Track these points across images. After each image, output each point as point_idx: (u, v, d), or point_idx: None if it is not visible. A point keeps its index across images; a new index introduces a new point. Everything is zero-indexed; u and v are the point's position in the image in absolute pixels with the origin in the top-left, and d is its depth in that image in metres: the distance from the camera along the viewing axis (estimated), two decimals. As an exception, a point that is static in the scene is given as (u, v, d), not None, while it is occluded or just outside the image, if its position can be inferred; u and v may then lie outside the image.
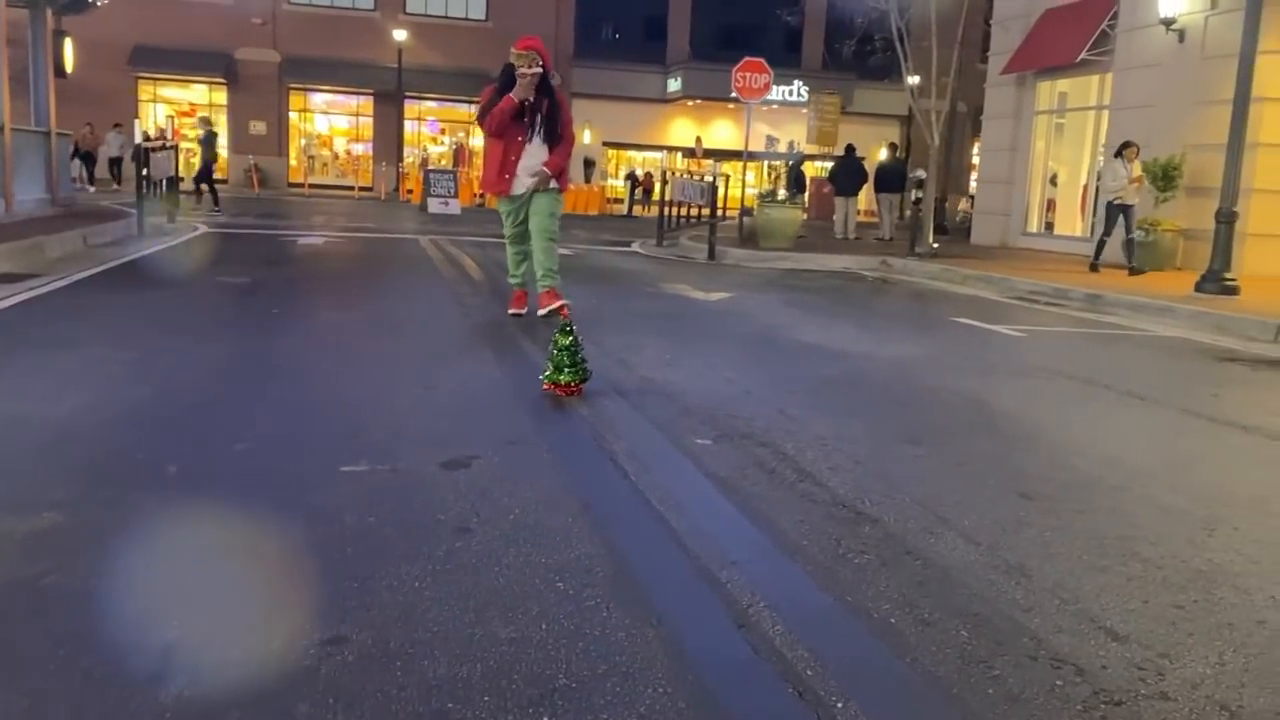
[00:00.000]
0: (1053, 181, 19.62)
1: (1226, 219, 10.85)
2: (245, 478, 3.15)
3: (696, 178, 16.40)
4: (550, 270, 6.81)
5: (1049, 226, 19.42)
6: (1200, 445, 4.35)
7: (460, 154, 35.85)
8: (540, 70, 6.45)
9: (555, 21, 36.22)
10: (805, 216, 17.63)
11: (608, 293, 9.25)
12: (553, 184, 6.81)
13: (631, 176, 34.76)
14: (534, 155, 6.68)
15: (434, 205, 24.14)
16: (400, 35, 32.09)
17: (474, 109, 40.18)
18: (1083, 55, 16.84)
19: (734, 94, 16.65)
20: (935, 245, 15.90)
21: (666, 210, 17.37)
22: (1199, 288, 10.81)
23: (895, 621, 2.28)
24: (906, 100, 41.40)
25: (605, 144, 40.00)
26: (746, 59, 16.75)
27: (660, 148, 40.24)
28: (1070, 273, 13.46)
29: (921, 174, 15.48)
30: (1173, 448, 4.26)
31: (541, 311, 6.65)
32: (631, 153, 41.63)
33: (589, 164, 37.48)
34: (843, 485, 3.30)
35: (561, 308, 6.54)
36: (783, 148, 16.12)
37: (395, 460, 3.36)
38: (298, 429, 3.78)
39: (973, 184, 34.67)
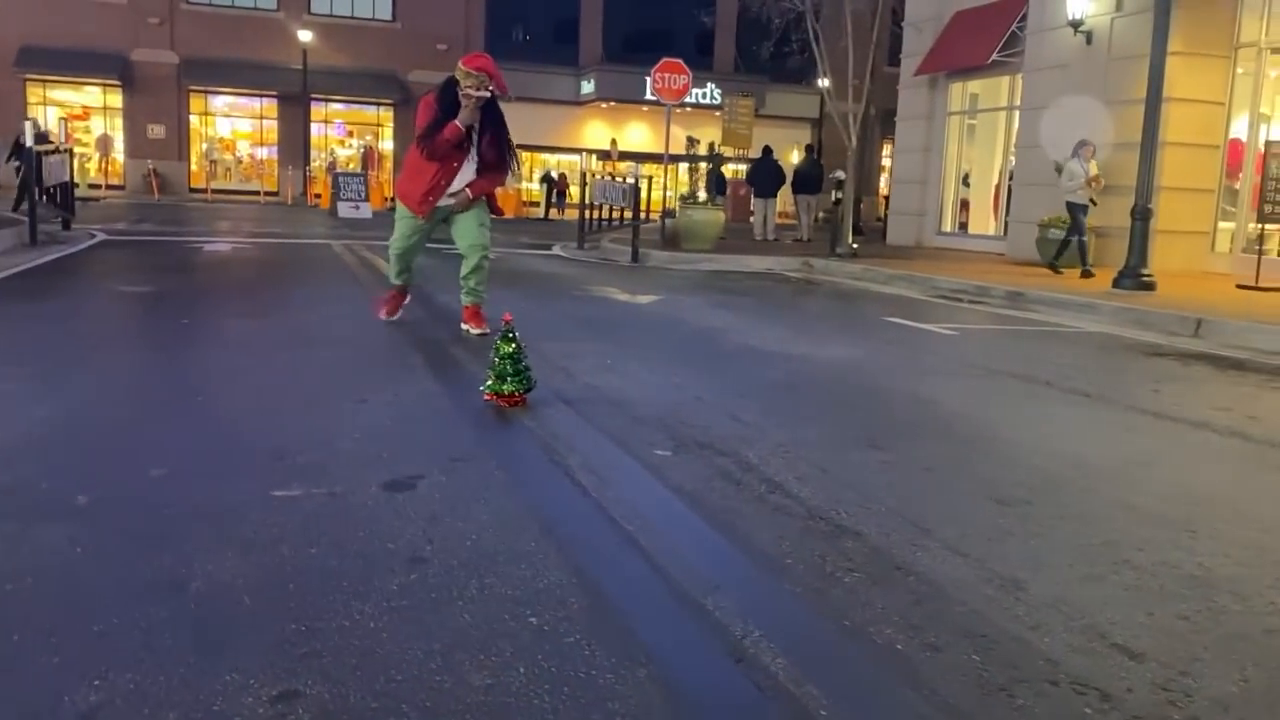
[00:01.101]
0: (965, 182, 19.94)
1: (1142, 216, 11.06)
2: (165, 507, 2.84)
3: (619, 180, 16.20)
4: (481, 288, 6.33)
5: (963, 226, 19.72)
6: (1154, 443, 4.30)
7: (369, 156, 35.10)
8: (489, 94, 5.79)
9: (465, 22, 35.76)
10: (726, 219, 17.58)
11: (536, 297, 8.99)
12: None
13: (548, 178, 34.43)
14: (465, 179, 6.10)
15: (344, 209, 23.52)
16: (305, 36, 31.26)
17: (382, 110, 39.22)
18: (994, 56, 17.13)
19: (650, 96, 16.52)
20: (855, 246, 15.99)
21: (587, 213, 17.15)
22: (1117, 284, 11.00)
23: (901, 647, 2.11)
24: (818, 103, 41.93)
25: (518, 146, 39.44)
26: (665, 60, 16.62)
27: (574, 150, 39.99)
28: (989, 271, 13.62)
29: (841, 175, 15.54)
30: (1129, 446, 4.20)
31: (475, 332, 6.18)
32: (545, 155, 41.32)
33: (501, 166, 36.97)
34: (814, 495, 3.13)
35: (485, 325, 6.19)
36: (703, 150, 16.02)
37: (331, 483, 3.08)
38: (219, 450, 3.47)
39: (883, 185, 35.25)
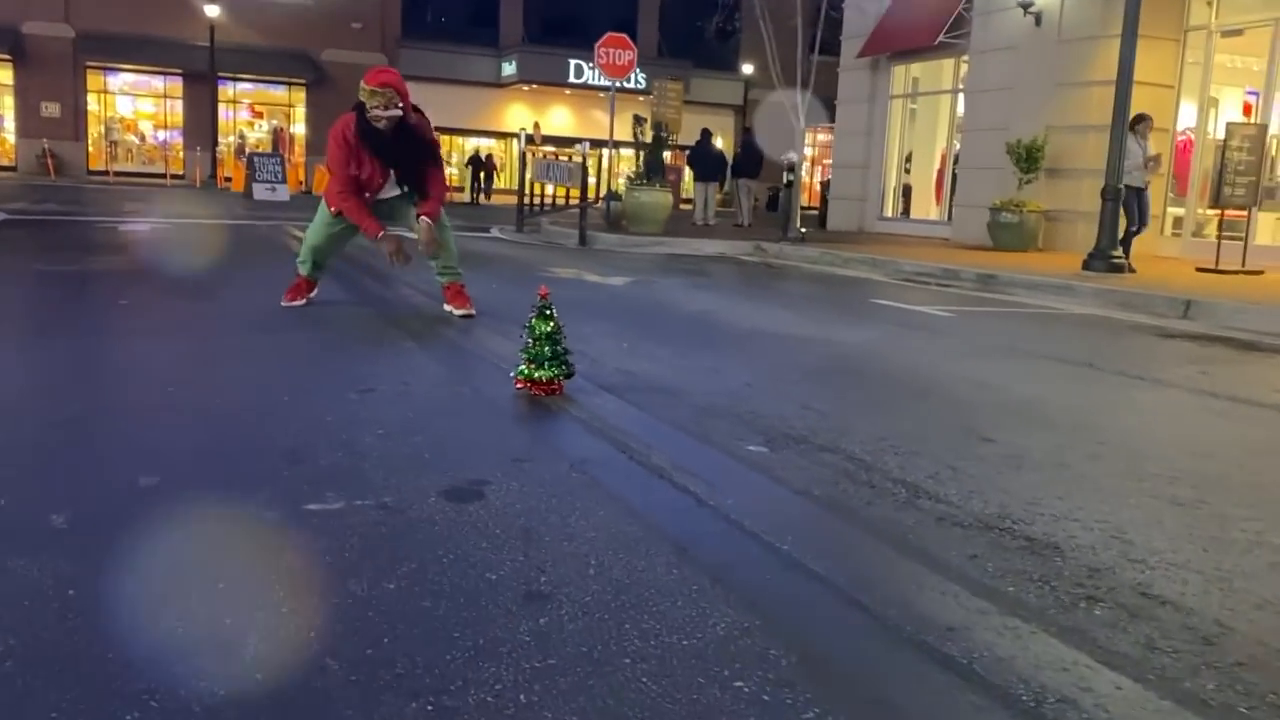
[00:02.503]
0: (906, 167, 19.75)
1: (1113, 196, 10.84)
2: (168, 529, 2.17)
3: (563, 159, 15.54)
4: (454, 262, 5.73)
5: (905, 211, 19.53)
6: (1261, 432, 3.89)
7: (280, 138, 33.64)
8: (399, 113, 5.18)
9: (381, 0, 34.49)
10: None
11: (504, 279, 8.33)
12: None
13: (475, 160, 33.32)
14: (392, 188, 5.57)
15: (260, 191, 22.37)
16: (212, 12, 29.68)
17: (293, 90, 37.58)
18: (941, 38, 16.90)
19: (573, 79, 15.82)
20: (803, 231, 15.62)
21: (527, 195, 16.46)
22: (1087, 265, 10.77)
23: None
24: (742, 89, 41.62)
25: (437, 129, 38.42)
26: (609, 34, 15.99)
27: (495, 134, 39.11)
28: (943, 254, 13.36)
29: (793, 157, 15.13)
30: (1240, 436, 3.77)
31: (459, 312, 5.56)
32: (466, 139, 40.29)
33: (420, 150, 35.87)
34: (968, 499, 2.60)
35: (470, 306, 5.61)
36: (649, 131, 15.51)
37: (376, 491, 2.44)
38: (218, 451, 2.79)
39: (804, 172, 35.12)
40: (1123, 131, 10.84)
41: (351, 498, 2.39)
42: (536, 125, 33.58)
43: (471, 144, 40.09)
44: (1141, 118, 11.78)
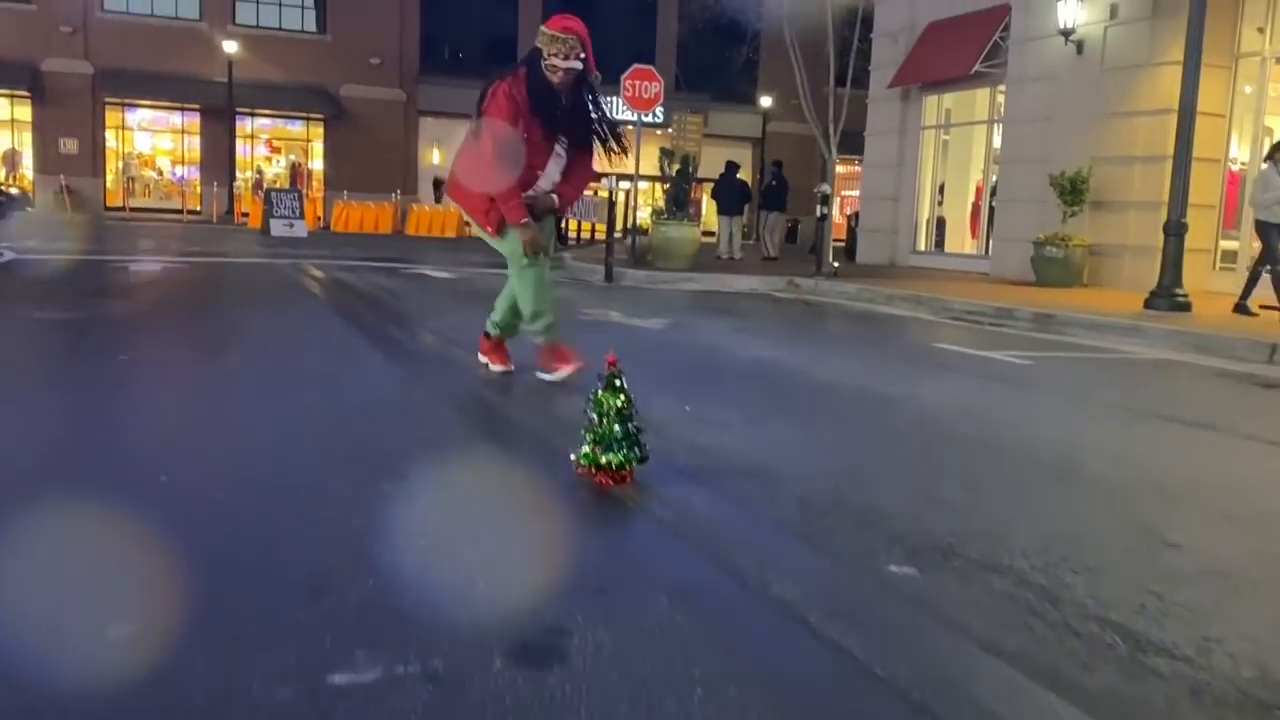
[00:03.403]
0: (939, 199, 19.15)
1: (1176, 231, 10.20)
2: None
3: (590, 193, 15.02)
4: (547, 308, 4.69)
5: (939, 244, 18.92)
6: None
7: (298, 173, 33.37)
8: (580, 64, 4.35)
9: (399, 36, 34.32)
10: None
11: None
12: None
13: None
14: (551, 179, 4.61)
15: (277, 228, 21.94)
16: (230, 47, 29.52)
17: (311, 125, 37.59)
18: (976, 67, 16.35)
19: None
20: (835, 265, 15.03)
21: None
22: (1150, 304, 10.12)
23: None
24: (760, 122, 41.30)
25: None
26: (636, 67, 15.52)
27: (514, 168, 38.74)
28: (988, 290, 12.73)
29: (826, 189, 14.55)
30: None
31: (559, 375, 4.60)
32: (484, 174, 39.97)
33: (439, 185, 35.63)
34: (1208, 652, 1.95)
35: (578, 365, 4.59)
36: (675, 165, 14.99)
37: (421, 648, 1.82)
38: (206, 580, 2.17)
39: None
40: (1187, 162, 10.20)
41: (390, 660, 1.77)
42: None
43: (489, 178, 39.74)
44: None
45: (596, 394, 2.96)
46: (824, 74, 16.02)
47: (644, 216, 23.11)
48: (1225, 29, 13.46)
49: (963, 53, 16.71)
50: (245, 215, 28.29)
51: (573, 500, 2.84)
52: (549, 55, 4.29)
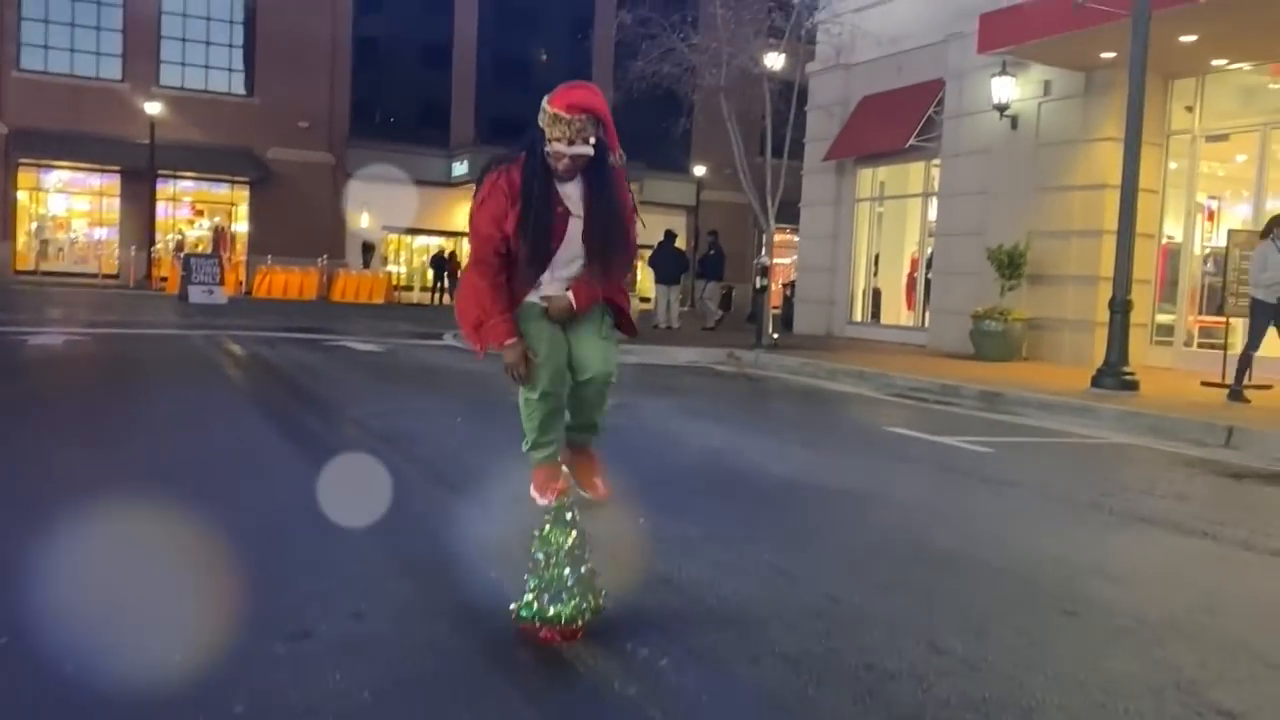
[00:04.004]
0: (874, 271, 19.13)
1: (1122, 309, 10.07)
2: None
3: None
4: (598, 416, 4.07)
5: (875, 316, 18.83)
6: None
7: (221, 237, 32.46)
8: (589, 151, 3.53)
9: (329, 99, 33.90)
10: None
11: (466, 406, 7.21)
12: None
13: (438, 259, 32.11)
14: (563, 278, 3.77)
15: (196, 294, 21.14)
16: (153, 109, 28.75)
17: (236, 189, 37.04)
18: (911, 141, 16.41)
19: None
20: (775, 336, 14.78)
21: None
22: (1097, 383, 9.94)
23: None
24: (694, 190, 41.57)
25: (385, 229, 37.78)
26: (571, 134, 15.19)
27: (445, 233, 38.40)
28: (928, 365, 12.55)
29: (766, 261, 14.34)
30: None
31: (596, 494, 3.95)
32: (415, 238, 39.53)
33: (368, 249, 35.02)
34: None
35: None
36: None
37: None
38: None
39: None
40: (1130, 239, 10.12)
41: None
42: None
43: (421, 243, 39.32)
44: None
45: (543, 530, 2.48)
46: (760, 145, 15.95)
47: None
48: (1156, 108, 13.62)
49: (897, 127, 16.79)
50: (163, 280, 27.34)
51: (511, 662, 2.34)
52: (551, 138, 3.48)
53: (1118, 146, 13.35)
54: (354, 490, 4.10)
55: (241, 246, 32.60)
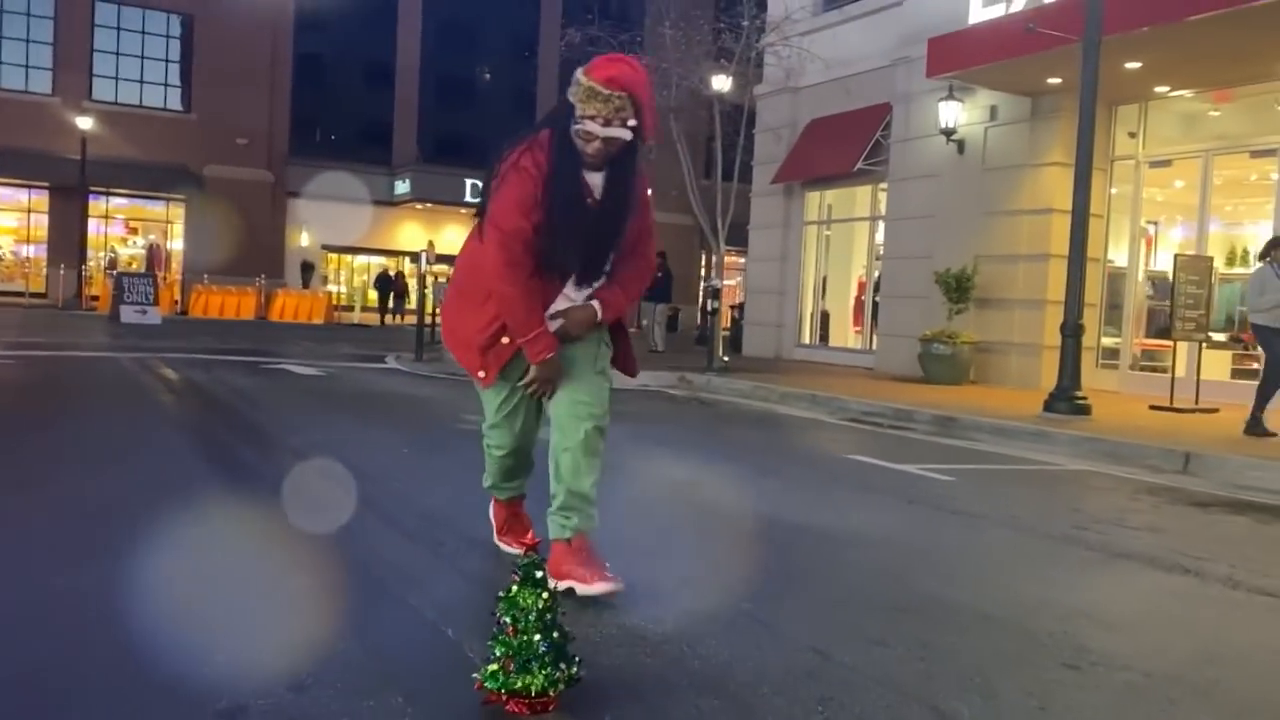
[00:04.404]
0: (822, 293, 19.12)
1: (1074, 333, 10.06)
2: None
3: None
4: (591, 489, 3.22)
5: (823, 338, 18.80)
6: None
7: (155, 256, 31.61)
8: (628, 134, 2.96)
9: (269, 116, 33.31)
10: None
11: (411, 436, 6.90)
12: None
13: (383, 279, 31.45)
14: (580, 290, 3.17)
15: (128, 314, 20.49)
16: (85, 124, 27.95)
17: (172, 206, 36.31)
18: (859, 165, 16.42)
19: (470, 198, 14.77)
20: (725, 360, 14.63)
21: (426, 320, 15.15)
22: (1049, 407, 9.91)
23: None
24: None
25: (325, 247, 37.16)
26: (519, 154, 14.96)
27: (387, 252, 37.89)
28: (881, 388, 12.49)
29: (717, 284, 14.20)
30: None
31: (586, 590, 3.03)
32: (356, 257, 38.96)
33: (307, 268, 34.39)
34: None
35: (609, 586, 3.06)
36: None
37: None
38: None
39: (700, 295, 34.67)
40: (1081, 264, 10.13)
41: None
42: (430, 245, 32.39)
43: (361, 262, 38.74)
44: (1279, 242, 9.24)
45: (510, 591, 2.23)
46: (708, 168, 15.85)
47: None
48: (1100, 133, 13.69)
49: (845, 150, 16.80)
50: (95, 299, 26.51)
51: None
52: (583, 115, 2.92)
53: (1063, 171, 13.52)
54: (294, 536, 3.79)
55: (177, 265, 31.81)
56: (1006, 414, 9.79)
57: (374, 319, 29.96)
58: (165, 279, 27.66)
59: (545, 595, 2.21)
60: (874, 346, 16.90)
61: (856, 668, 2.61)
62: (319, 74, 35.84)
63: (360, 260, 38.60)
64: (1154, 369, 14.00)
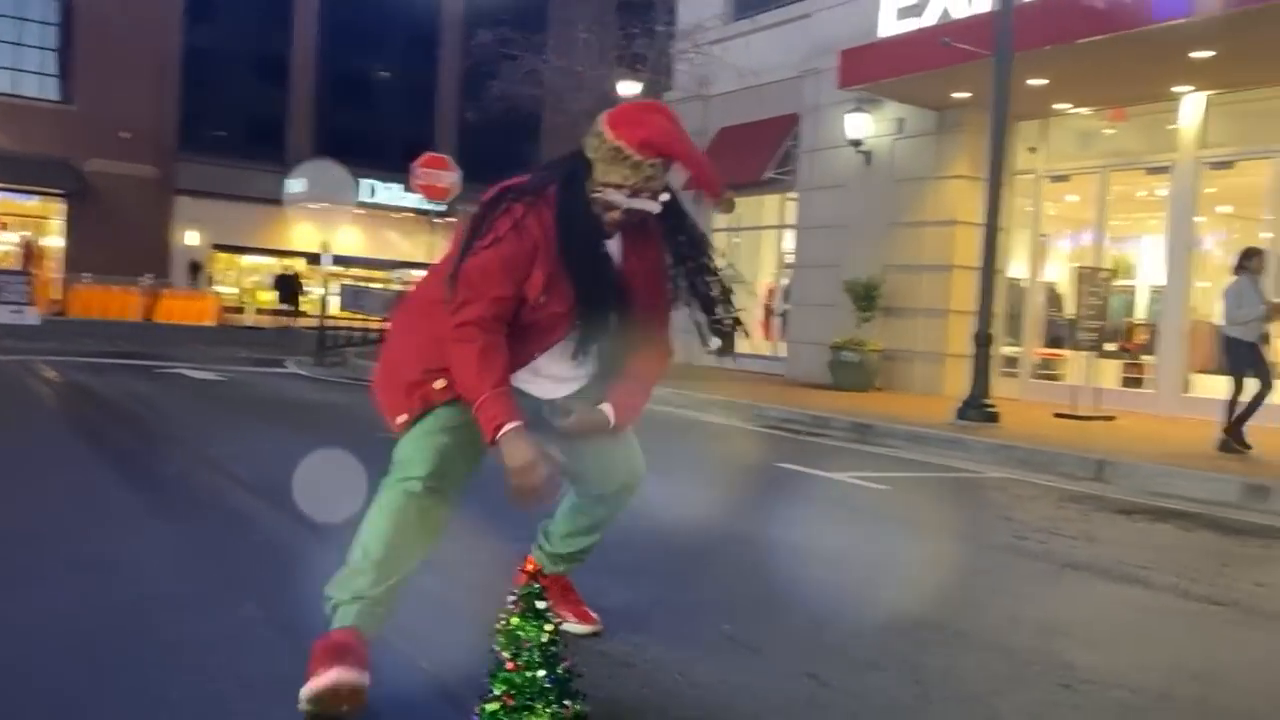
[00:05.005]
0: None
1: (984, 342, 10.29)
2: None
3: (379, 285, 13.91)
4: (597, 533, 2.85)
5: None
6: None
7: (29, 252, 29.99)
8: (660, 206, 2.50)
9: (156, 109, 31.99)
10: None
11: (336, 448, 6.59)
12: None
13: (282, 280, 30.30)
14: (560, 367, 2.61)
15: (2, 315, 19.33)
16: (-47, 111, 26.38)
17: (50, 201, 34.75)
18: (769, 173, 16.56)
19: (366, 199, 14.32)
20: (633, 365, 14.56)
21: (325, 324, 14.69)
22: (962, 414, 10.10)
23: None
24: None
25: (215, 246, 35.88)
26: (427, 154, 14.69)
27: (280, 252, 36.78)
28: (794, 394, 12.60)
29: (630, 289, 14.09)
30: None
31: (582, 630, 2.83)
32: (245, 257, 37.69)
33: (196, 267, 33.14)
34: None
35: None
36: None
37: None
38: None
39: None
40: (991, 275, 10.37)
41: None
42: (325, 245, 31.51)
43: (251, 261, 37.51)
44: (1255, 252, 8.89)
45: (509, 621, 2.07)
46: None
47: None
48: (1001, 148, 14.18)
49: (754, 159, 16.92)
50: (-36, 299, 24.96)
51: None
52: (604, 182, 2.39)
53: (968, 184, 13.90)
54: (230, 560, 3.53)
55: (55, 263, 30.24)
56: (920, 421, 9.95)
57: (267, 321, 28.95)
58: (42, 277, 26.27)
59: (549, 628, 2.05)
60: (783, 353, 17.05)
61: (856, 694, 2.53)
62: (210, 67, 34.58)
63: (250, 260, 37.38)
64: (1050, 377, 14.46)
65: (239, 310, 30.93)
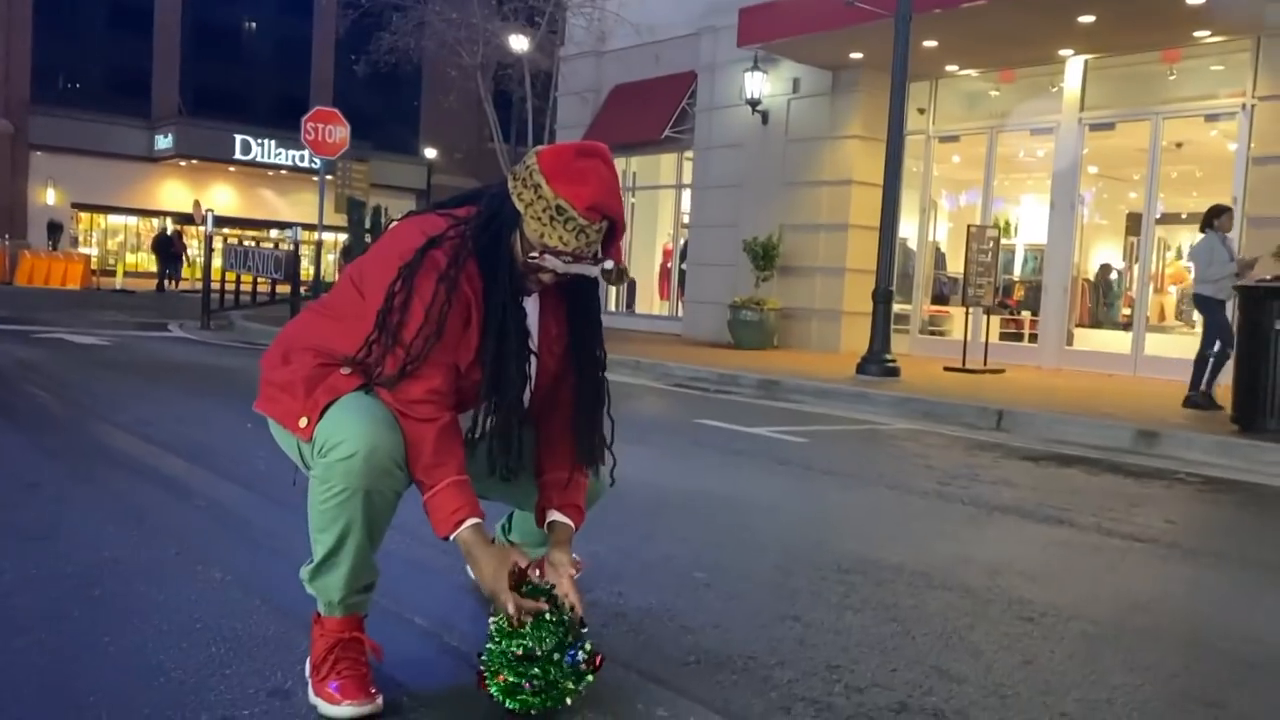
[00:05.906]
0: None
1: (884, 299, 10.58)
2: None
3: (270, 245, 13.42)
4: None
5: (629, 305, 18.95)
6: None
7: None
8: (598, 271, 2.08)
9: (5, 61, 30.08)
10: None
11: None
12: None
13: (162, 240, 28.79)
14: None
15: None
16: None
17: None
18: (666, 132, 16.57)
19: (240, 155, 13.71)
20: (536, 326, 14.48)
21: (215, 285, 14.12)
22: (862, 369, 10.40)
23: None
24: (425, 173, 40.27)
25: (76, 205, 34.11)
26: (318, 108, 14.18)
27: (148, 212, 35.19)
28: (695, 353, 12.74)
29: (530, 248, 13.94)
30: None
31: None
32: (113, 217, 35.95)
33: (55, 228, 31.41)
34: None
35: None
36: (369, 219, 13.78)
37: None
38: None
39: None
40: (892, 234, 10.67)
41: None
42: (197, 204, 30.19)
43: (117, 221, 35.80)
44: (1223, 210, 8.78)
45: (520, 634, 1.97)
46: (516, 131, 15.55)
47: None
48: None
49: (651, 117, 16.90)
50: None
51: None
52: (542, 245, 2.01)
53: (862, 144, 14.17)
54: (177, 525, 3.40)
55: None
56: (823, 376, 10.19)
57: (139, 284, 27.68)
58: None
59: (560, 631, 1.99)
60: (680, 313, 17.18)
61: (840, 632, 2.60)
62: (66, 14, 32.65)
63: (116, 220, 35.65)
64: (937, 333, 14.99)
65: (109, 273, 29.49)
